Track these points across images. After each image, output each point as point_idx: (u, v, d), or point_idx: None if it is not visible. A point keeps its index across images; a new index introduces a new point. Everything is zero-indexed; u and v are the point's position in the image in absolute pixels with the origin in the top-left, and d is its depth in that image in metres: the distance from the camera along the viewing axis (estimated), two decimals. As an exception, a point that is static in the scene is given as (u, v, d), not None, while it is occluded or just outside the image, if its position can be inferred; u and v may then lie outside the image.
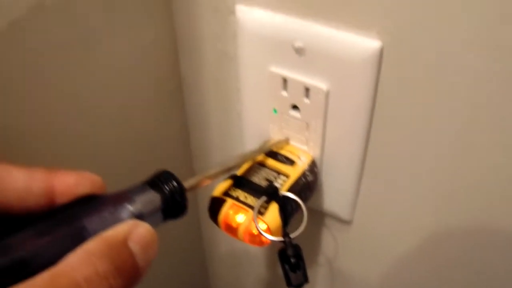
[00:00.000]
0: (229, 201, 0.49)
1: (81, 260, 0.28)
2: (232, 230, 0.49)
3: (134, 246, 0.31)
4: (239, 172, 0.52)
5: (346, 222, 0.62)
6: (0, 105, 0.47)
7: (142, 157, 0.66)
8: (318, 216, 0.64)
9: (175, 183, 0.37)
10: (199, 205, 0.82)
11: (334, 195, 0.58)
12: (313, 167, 0.54)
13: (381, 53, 0.45)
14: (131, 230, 0.32)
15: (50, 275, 0.27)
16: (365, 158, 0.53)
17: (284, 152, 0.54)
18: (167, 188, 0.37)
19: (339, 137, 0.52)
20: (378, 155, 0.53)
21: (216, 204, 0.50)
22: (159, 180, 0.37)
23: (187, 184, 0.40)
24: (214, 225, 0.50)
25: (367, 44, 0.45)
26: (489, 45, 0.40)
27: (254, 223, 0.47)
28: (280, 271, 0.48)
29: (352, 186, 0.56)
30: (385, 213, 0.57)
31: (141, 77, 0.61)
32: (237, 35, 0.54)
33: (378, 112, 0.49)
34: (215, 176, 0.45)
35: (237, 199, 0.49)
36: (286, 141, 0.55)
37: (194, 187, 0.42)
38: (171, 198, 0.37)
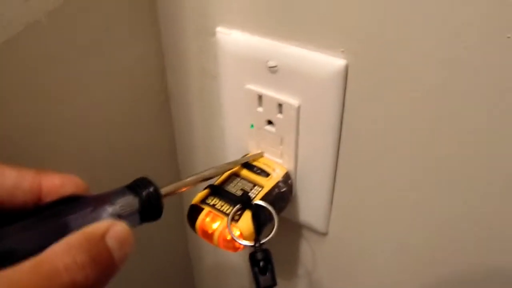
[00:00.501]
0: (206, 209, 0.52)
1: (63, 250, 0.31)
2: (208, 236, 0.51)
3: (110, 241, 0.34)
4: (217, 182, 0.55)
5: (322, 234, 0.64)
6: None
7: (131, 168, 0.68)
8: (296, 228, 0.67)
9: (152, 189, 0.40)
10: (184, 213, 0.84)
11: (309, 207, 0.61)
12: (287, 179, 0.57)
13: (346, 70, 0.48)
14: (109, 227, 0.35)
15: (34, 261, 0.30)
16: (336, 171, 0.56)
17: (260, 164, 0.57)
18: (145, 192, 0.39)
19: (311, 150, 0.55)
20: (348, 168, 0.55)
21: (194, 212, 0.53)
22: (137, 185, 0.40)
23: (164, 190, 0.42)
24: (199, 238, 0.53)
25: (333, 62, 0.48)
26: (444, 60, 0.43)
27: (228, 229, 0.50)
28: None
29: (326, 198, 0.59)
30: (360, 224, 0.59)
31: (130, 92, 0.64)
32: (217, 55, 0.57)
33: (346, 126, 0.52)
34: (190, 184, 0.48)
35: (213, 207, 0.52)
36: (261, 155, 0.58)
37: (171, 193, 0.44)
38: (147, 202, 0.39)
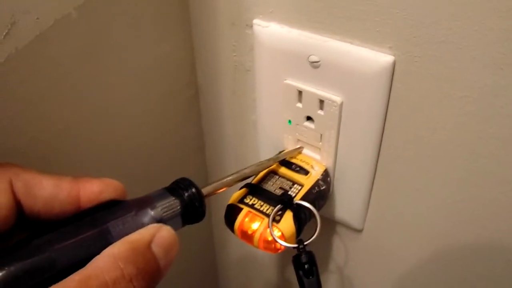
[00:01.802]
0: (245, 209, 0.51)
1: (109, 263, 0.30)
2: (247, 237, 0.50)
3: (157, 249, 0.33)
4: (254, 180, 0.54)
5: (357, 231, 0.63)
6: (27, 115, 0.49)
7: (159, 164, 0.67)
8: (330, 224, 0.65)
9: (194, 190, 0.39)
10: (211, 210, 0.83)
11: (346, 204, 0.59)
12: (326, 176, 0.56)
13: (393, 67, 0.47)
14: (154, 234, 0.34)
15: (81, 277, 0.29)
16: (376, 169, 0.55)
17: (298, 161, 0.56)
18: (187, 194, 0.38)
19: (351, 147, 0.53)
20: (389, 166, 0.54)
21: (232, 212, 0.51)
22: (179, 187, 0.39)
23: (205, 190, 0.41)
24: (225, 229, 0.52)
25: (379, 58, 0.46)
26: (497, 62, 0.41)
27: (269, 230, 0.48)
28: (288, 275, 0.49)
29: (363, 195, 0.57)
30: (396, 223, 0.58)
31: (159, 86, 0.63)
32: (254, 48, 0.55)
33: (389, 124, 0.51)
34: (231, 184, 0.46)
35: (252, 207, 0.51)
36: (299, 150, 0.57)
37: (211, 194, 0.43)
38: (190, 204, 0.38)
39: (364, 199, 0.58)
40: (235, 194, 0.52)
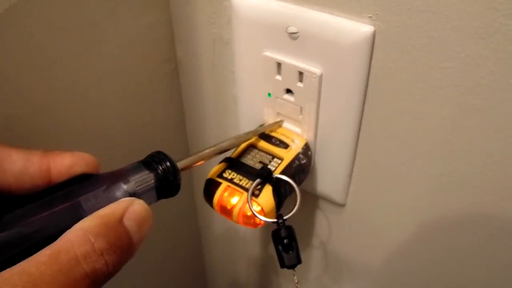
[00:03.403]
0: (224, 184, 0.50)
1: (79, 237, 0.30)
2: (226, 212, 0.49)
3: (129, 223, 0.33)
4: (234, 154, 0.53)
5: (340, 205, 0.62)
6: (1, 91, 0.47)
7: (139, 139, 0.67)
8: (312, 199, 0.65)
9: (168, 163, 0.38)
10: (194, 186, 0.82)
11: (328, 178, 0.59)
12: (306, 150, 0.55)
13: (373, 37, 0.46)
14: (126, 208, 0.33)
15: (51, 251, 0.28)
16: (358, 142, 0.54)
17: (278, 135, 0.55)
18: (161, 167, 0.38)
19: (332, 120, 0.52)
20: (371, 139, 0.53)
21: (211, 186, 0.50)
22: (153, 160, 0.38)
23: (180, 164, 0.41)
24: (209, 206, 0.51)
25: (359, 28, 0.45)
26: (479, 32, 0.40)
27: (248, 205, 0.47)
28: (272, 250, 0.48)
29: (345, 169, 0.56)
30: (379, 196, 0.58)
31: (138, 61, 0.62)
32: (232, 20, 0.54)
33: (370, 96, 0.50)
34: (208, 157, 0.46)
35: (231, 181, 0.50)
36: (279, 124, 0.56)
37: (187, 167, 0.42)
38: (164, 178, 0.38)
39: (346, 173, 0.57)
40: (214, 168, 0.51)
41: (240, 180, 0.50)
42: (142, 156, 0.39)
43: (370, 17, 0.45)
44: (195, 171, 0.77)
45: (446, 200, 0.52)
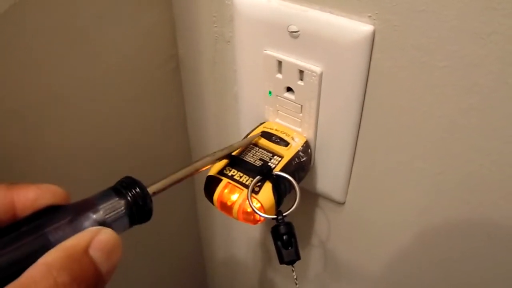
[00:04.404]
0: (224, 180, 0.50)
1: (41, 273, 0.29)
2: (226, 208, 0.50)
3: (95, 253, 0.31)
4: (235, 152, 0.53)
5: (339, 204, 0.63)
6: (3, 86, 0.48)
7: (141, 139, 0.67)
8: (312, 198, 0.65)
9: (138, 189, 0.37)
10: (195, 185, 0.83)
11: (327, 177, 0.59)
12: (306, 148, 0.55)
13: (372, 37, 0.46)
14: (92, 238, 0.32)
15: None
16: (357, 140, 0.54)
17: (279, 133, 0.55)
18: (130, 193, 0.36)
19: (332, 118, 0.53)
20: (370, 137, 0.53)
21: (211, 183, 0.51)
22: (122, 186, 0.37)
23: (152, 188, 0.39)
24: (209, 204, 0.51)
25: (359, 27, 0.46)
26: (477, 31, 0.40)
27: (248, 202, 0.48)
28: (272, 248, 0.49)
29: (345, 167, 0.57)
30: (377, 195, 0.58)
31: (140, 59, 0.62)
32: (234, 18, 0.55)
33: (369, 95, 0.50)
34: (181, 178, 0.44)
35: (232, 178, 0.50)
36: (257, 136, 0.56)
37: (160, 191, 0.41)
38: (134, 204, 0.36)
39: (346, 171, 0.57)
40: (215, 165, 0.52)
41: (241, 177, 0.50)
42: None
43: (369, 16, 0.45)
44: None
45: (444, 199, 0.52)
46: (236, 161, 0.52)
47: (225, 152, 0.51)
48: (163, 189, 0.41)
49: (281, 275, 0.85)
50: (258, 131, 0.57)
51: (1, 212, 0.32)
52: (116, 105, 0.62)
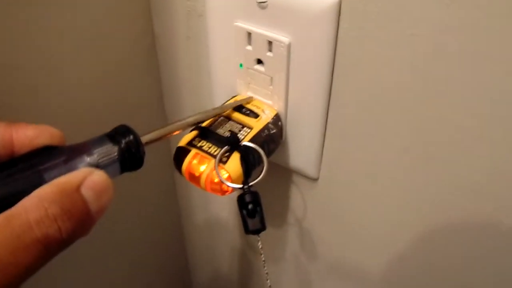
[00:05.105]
0: (193, 151, 0.50)
1: (33, 203, 0.30)
2: (195, 179, 0.50)
3: (86, 192, 0.33)
4: (205, 123, 0.53)
5: (313, 180, 0.63)
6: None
7: (118, 114, 0.67)
8: (286, 174, 0.65)
9: (131, 136, 0.38)
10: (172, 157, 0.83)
11: (300, 152, 0.59)
12: (277, 120, 0.55)
13: (339, 6, 0.46)
14: (84, 177, 0.33)
15: (4, 216, 0.29)
16: (328, 113, 0.54)
17: (249, 106, 0.55)
18: (124, 140, 0.38)
19: (302, 90, 0.53)
20: (340, 110, 0.53)
21: (180, 154, 0.51)
22: (116, 133, 0.38)
23: (145, 138, 0.41)
24: (189, 184, 0.51)
25: (325, -4, 0.46)
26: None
27: (215, 171, 0.48)
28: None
29: (316, 142, 0.57)
30: (351, 170, 0.58)
31: (115, 34, 0.62)
32: (205, -10, 0.55)
33: (338, 65, 0.50)
34: (173, 131, 0.46)
35: (200, 148, 0.50)
36: (250, 99, 0.57)
37: (152, 141, 0.43)
38: (127, 150, 0.38)
39: (318, 145, 0.57)
40: (185, 136, 0.52)
41: (209, 148, 0.50)
42: None
43: (335, -16, 0.45)
44: (174, 144, 0.77)
45: (414, 172, 0.52)
46: (205, 133, 0.52)
47: (217, 111, 0.52)
48: (156, 139, 0.43)
49: (255, 247, 0.85)
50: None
51: (0, 147, 0.34)
52: (92, 82, 0.62)
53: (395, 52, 0.46)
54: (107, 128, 0.39)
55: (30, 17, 0.51)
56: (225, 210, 0.83)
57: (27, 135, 0.35)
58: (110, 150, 0.37)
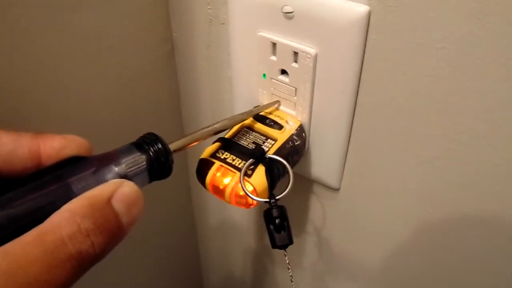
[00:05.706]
0: (217, 163, 0.50)
1: (65, 218, 0.29)
2: (219, 192, 0.49)
3: (117, 205, 0.32)
4: (228, 135, 0.52)
5: (334, 190, 0.62)
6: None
7: (135, 122, 0.66)
8: (307, 183, 0.65)
9: (160, 145, 0.38)
10: (189, 169, 0.82)
11: (322, 162, 0.58)
12: (301, 132, 0.54)
13: (368, 17, 0.45)
14: (115, 189, 0.33)
15: (37, 232, 0.28)
16: (352, 125, 0.54)
17: (272, 116, 0.55)
18: (152, 149, 0.37)
19: (327, 102, 0.52)
20: (365, 122, 0.53)
21: (203, 166, 0.50)
22: (144, 142, 0.37)
23: (173, 145, 0.40)
24: (204, 189, 0.51)
25: (354, 8, 0.45)
26: (474, 11, 0.40)
27: (240, 185, 0.47)
28: (267, 240, 0.48)
29: (339, 152, 0.56)
30: (372, 181, 0.57)
31: (134, 42, 0.61)
32: (227, 0, 0.54)
33: (365, 77, 0.49)
34: (201, 138, 0.45)
35: (224, 161, 0.49)
36: (276, 104, 0.56)
37: (180, 149, 0.42)
38: (156, 159, 0.37)
39: (340, 156, 0.57)
40: (208, 148, 0.51)
41: (233, 160, 0.49)
42: (137, 137, 0.39)
43: (365, -4, 0.45)
44: (190, 154, 0.77)
45: (439, 185, 0.52)
46: (229, 144, 0.51)
47: (244, 116, 0.51)
48: (183, 147, 0.42)
49: (275, 261, 0.84)
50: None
51: (27, 159, 0.33)
52: (110, 88, 0.61)
53: (423, 64, 0.45)
54: (124, 135, 0.39)
55: (60, 24, 0.51)
56: (239, 213, 0.83)
57: (54, 146, 0.34)
58: (138, 160, 0.36)
